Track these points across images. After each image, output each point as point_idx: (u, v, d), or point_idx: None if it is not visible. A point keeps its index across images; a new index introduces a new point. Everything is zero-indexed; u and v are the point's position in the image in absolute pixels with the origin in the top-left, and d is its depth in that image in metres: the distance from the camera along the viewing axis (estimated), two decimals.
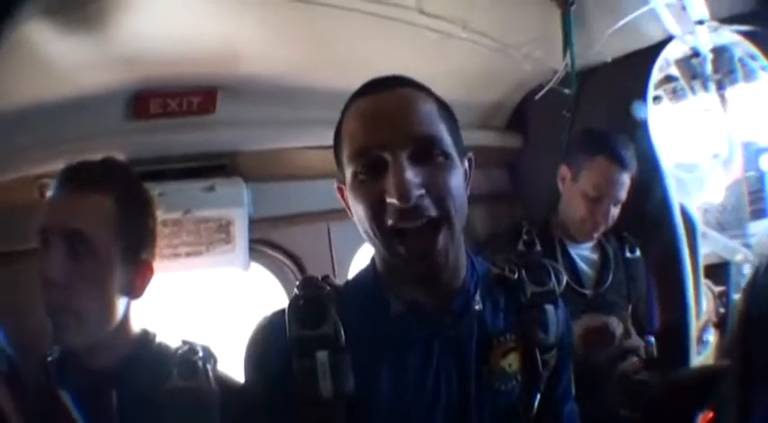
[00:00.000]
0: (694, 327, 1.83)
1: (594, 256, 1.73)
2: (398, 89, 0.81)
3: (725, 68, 2.07)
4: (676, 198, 1.82)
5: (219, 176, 1.53)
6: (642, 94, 1.78)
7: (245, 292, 1.80)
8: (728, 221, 2.54)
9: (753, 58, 1.95)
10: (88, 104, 1.30)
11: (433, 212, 0.76)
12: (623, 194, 1.61)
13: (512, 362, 0.89)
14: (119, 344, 0.96)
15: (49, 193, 1.26)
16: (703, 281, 2.05)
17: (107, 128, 1.38)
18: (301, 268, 1.71)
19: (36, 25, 1.06)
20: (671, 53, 1.90)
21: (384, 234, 0.78)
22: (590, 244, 1.72)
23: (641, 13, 1.56)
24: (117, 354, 0.96)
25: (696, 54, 1.95)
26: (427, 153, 0.77)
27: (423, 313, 0.85)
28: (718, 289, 2.23)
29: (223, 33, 1.31)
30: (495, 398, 0.88)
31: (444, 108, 0.84)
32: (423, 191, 0.76)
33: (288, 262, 1.71)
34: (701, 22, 1.67)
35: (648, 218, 1.79)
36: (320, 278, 0.91)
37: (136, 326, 1.00)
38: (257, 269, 1.70)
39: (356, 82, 0.85)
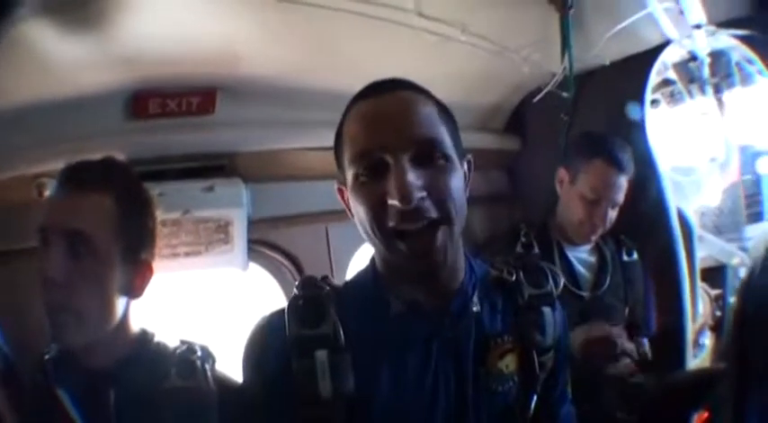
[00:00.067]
0: (691, 330, 1.83)
1: (592, 259, 1.73)
2: (399, 92, 0.81)
3: (722, 72, 2.07)
4: (673, 201, 1.82)
5: (219, 177, 1.54)
6: (640, 98, 1.79)
7: (244, 293, 1.80)
8: (725, 225, 2.53)
9: (750, 62, 1.95)
10: (87, 104, 1.30)
11: (433, 214, 0.77)
12: (621, 197, 1.62)
13: (509, 363, 0.90)
14: (117, 343, 0.96)
15: (47, 193, 1.27)
16: (700, 284, 2.06)
17: (106, 128, 1.38)
18: (299, 269, 1.71)
19: (35, 24, 1.06)
20: (669, 57, 1.90)
21: (385, 235, 0.79)
22: (587, 247, 1.73)
23: (639, 17, 1.56)
24: (115, 353, 0.95)
25: (694, 58, 1.95)
26: (428, 155, 0.78)
27: (422, 313, 0.85)
28: (714, 292, 2.23)
29: (223, 34, 1.31)
30: (492, 399, 0.88)
31: (444, 111, 0.85)
32: (424, 193, 0.76)
33: (286, 262, 1.71)
34: (698, 27, 1.68)
35: (645, 221, 1.80)
36: (319, 278, 0.91)
37: (135, 325, 1.00)
38: (256, 269, 1.70)
39: (355, 83, 0.85)
